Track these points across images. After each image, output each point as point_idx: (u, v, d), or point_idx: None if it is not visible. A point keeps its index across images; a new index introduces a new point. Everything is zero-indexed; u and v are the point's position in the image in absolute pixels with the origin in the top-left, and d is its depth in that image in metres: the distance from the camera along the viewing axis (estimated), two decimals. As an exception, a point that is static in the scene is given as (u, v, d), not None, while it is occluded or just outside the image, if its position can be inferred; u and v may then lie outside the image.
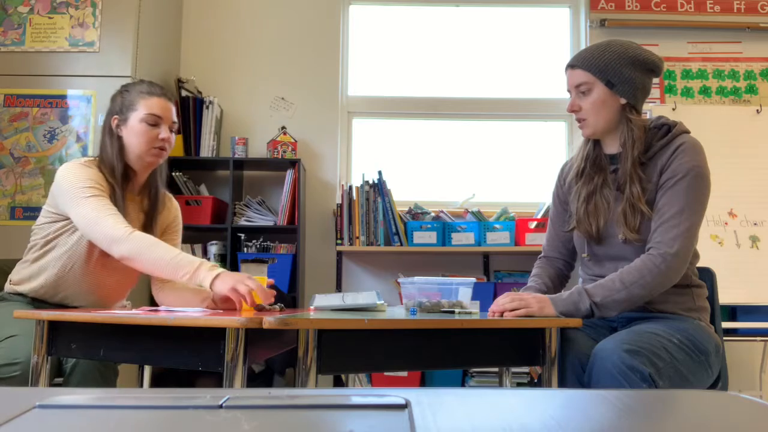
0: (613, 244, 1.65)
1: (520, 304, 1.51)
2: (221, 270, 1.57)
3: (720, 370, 1.61)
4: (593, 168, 1.71)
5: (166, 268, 1.58)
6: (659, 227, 1.55)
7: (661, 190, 1.58)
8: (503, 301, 1.53)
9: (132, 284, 1.97)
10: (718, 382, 1.62)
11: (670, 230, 1.53)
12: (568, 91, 1.70)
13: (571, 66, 1.68)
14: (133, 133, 1.78)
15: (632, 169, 1.61)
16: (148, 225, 1.87)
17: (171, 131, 1.82)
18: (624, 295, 1.51)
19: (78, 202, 1.65)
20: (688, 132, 1.66)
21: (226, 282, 1.52)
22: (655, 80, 1.72)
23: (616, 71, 1.61)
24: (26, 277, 1.80)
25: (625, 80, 1.61)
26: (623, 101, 1.63)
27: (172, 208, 2.00)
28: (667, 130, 1.64)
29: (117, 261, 1.66)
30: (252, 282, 1.53)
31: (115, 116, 1.81)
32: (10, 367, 1.52)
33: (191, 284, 1.61)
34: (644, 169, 1.63)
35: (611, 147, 1.70)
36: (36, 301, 1.79)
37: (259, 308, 1.56)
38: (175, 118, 1.85)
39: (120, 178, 1.77)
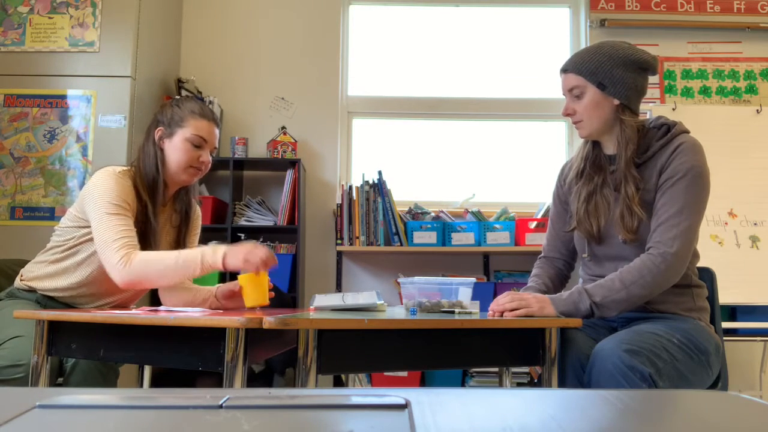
0: (614, 244, 1.65)
1: (520, 304, 1.51)
2: (224, 248, 1.61)
3: (720, 370, 1.61)
4: (593, 168, 1.71)
5: (178, 272, 1.60)
6: (659, 227, 1.55)
7: (660, 189, 1.58)
8: (503, 300, 1.53)
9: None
10: (718, 382, 1.62)
11: (669, 230, 1.53)
12: (564, 94, 1.70)
13: (564, 70, 1.68)
14: (175, 149, 1.78)
15: (626, 170, 1.61)
16: (178, 238, 1.90)
17: (210, 154, 1.84)
18: (624, 295, 1.51)
19: (101, 218, 1.65)
20: (687, 132, 1.65)
21: (237, 256, 1.59)
22: (655, 80, 1.72)
23: (607, 73, 1.61)
24: (46, 276, 1.77)
25: (616, 81, 1.61)
26: (616, 102, 1.63)
27: (195, 213, 2.02)
28: (666, 130, 1.64)
29: None
30: (261, 250, 1.60)
31: (160, 127, 1.80)
32: (14, 368, 1.52)
33: (204, 274, 1.65)
34: (643, 169, 1.63)
35: (610, 147, 1.70)
36: (45, 299, 1.78)
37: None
38: (217, 143, 1.87)
39: (153, 190, 1.77)
